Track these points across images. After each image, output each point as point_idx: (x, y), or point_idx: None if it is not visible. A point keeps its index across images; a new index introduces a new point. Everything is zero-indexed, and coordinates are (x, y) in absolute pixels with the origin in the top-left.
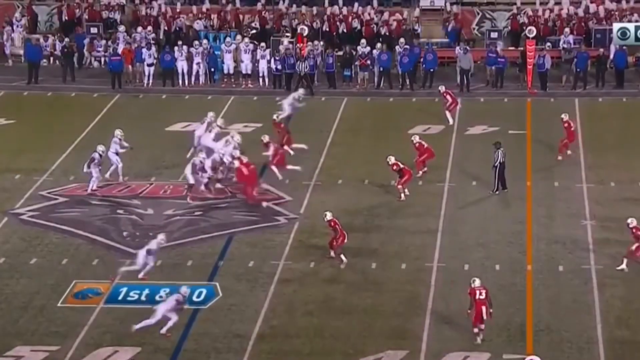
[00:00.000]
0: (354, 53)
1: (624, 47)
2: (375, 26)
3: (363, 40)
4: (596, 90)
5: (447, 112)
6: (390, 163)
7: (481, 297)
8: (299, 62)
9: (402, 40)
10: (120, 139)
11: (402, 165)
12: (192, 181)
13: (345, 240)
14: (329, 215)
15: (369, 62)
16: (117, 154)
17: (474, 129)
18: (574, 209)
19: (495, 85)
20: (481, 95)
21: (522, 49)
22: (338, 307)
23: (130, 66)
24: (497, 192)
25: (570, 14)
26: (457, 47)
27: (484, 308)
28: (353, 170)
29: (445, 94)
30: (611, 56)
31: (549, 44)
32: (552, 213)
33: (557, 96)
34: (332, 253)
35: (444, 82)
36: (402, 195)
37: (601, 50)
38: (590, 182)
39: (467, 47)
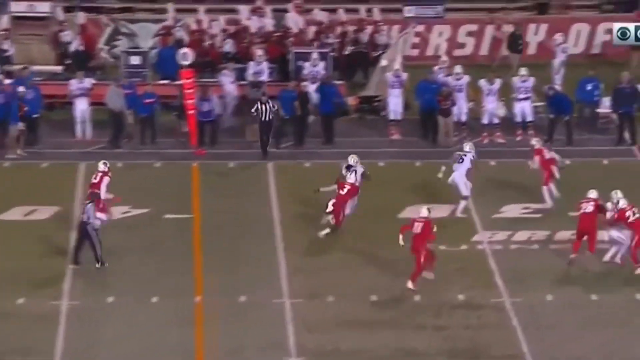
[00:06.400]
0: None
1: (334, 83)
2: None
3: None
4: (298, 149)
5: None
6: None
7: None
8: None
9: None
10: None
11: None
12: None
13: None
14: None
15: None
16: None
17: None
18: (272, 336)
19: (143, 142)
20: (121, 159)
21: (180, 82)
22: None
23: None
24: None
25: (263, 27)
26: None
27: None
28: None
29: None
30: (313, 96)
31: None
32: (243, 343)
33: (240, 157)
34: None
35: (63, 136)
36: None
37: (303, 84)
38: (297, 296)
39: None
